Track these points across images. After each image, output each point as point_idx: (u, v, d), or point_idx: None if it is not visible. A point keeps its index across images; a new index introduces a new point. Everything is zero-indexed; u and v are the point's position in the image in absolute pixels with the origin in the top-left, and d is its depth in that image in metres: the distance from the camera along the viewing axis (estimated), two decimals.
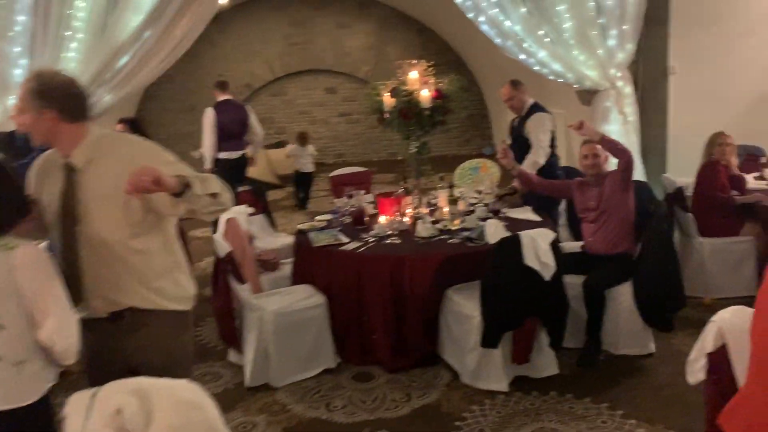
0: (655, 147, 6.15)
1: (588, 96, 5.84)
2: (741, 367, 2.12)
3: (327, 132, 12.21)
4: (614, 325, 3.80)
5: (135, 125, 4.89)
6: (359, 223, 4.36)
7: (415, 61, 4.47)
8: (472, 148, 12.13)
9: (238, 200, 5.00)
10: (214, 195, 2.17)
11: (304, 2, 11.69)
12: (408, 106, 4.18)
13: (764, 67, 6.20)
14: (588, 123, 3.95)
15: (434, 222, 4.21)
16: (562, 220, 4.81)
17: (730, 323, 2.21)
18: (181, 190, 2.03)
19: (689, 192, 4.74)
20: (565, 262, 3.99)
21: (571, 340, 3.81)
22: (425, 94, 4.19)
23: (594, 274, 3.81)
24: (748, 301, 1.92)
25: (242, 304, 3.86)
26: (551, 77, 5.75)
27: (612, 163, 4.05)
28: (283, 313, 3.72)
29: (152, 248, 2.24)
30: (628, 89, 5.66)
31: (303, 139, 8.93)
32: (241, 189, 5.36)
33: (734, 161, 4.69)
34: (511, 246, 3.40)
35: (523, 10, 5.43)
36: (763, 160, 5.44)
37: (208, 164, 6.12)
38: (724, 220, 4.50)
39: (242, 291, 3.84)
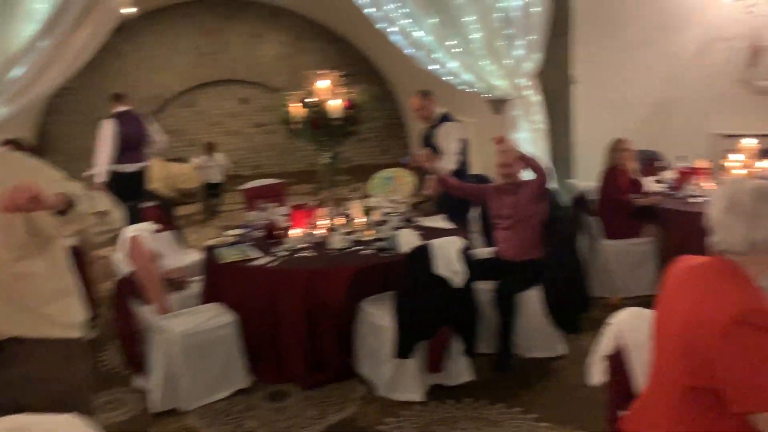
0: (562, 153, 6.36)
1: (498, 105, 5.97)
2: (639, 368, 2.19)
3: (242, 143, 11.95)
4: (525, 328, 3.87)
5: (20, 146, 4.62)
6: (271, 236, 4.25)
7: (325, 71, 4.43)
8: (391, 157, 12.19)
9: (144, 216, 4.78)
10: (103, 213, 2.05)
11: (215, 11, 11.43)
12: (317, 117, 4.13)
13: (661, 75, 6.53)
14: (508, 139, 4.04)
15: (348, 233, 4.17)
16: (476, 227, 4.87)
17: (626, 325, 2.27)
18: (65, 208, 1.90)
19: (594, 196, 4.92)
20: (477, 268, 4.04)
21: (485, 345, 3.84)
22: (335, 104, 4.15)
23: (505, 280, 3.87)
24: (651, 299, 1.97)
25: (147, 326, 3.67)
26: (462, 87, 5.84)
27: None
28: (190, 333, 3.57)
29: (38, 272, 2.08)
30: (537, 98, 5.82)
31: (210, 148, 8.94)
32: (147, 204, 5.14)
33: (633, 166, 4.90)
34: (421, 255, 3.40)
35: (433, 20, 5.49)
36: (660, 163, 5.72)
37: (102, 178, 5.85)
38: (625, 222, 4.69)
39: (146, 312, 3.66)
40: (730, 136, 5.87)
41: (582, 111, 6.45)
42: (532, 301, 3.88)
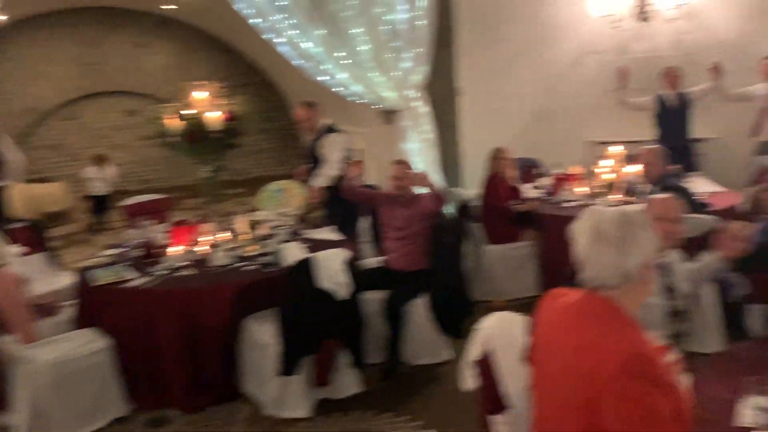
0: (450, 162, 6.53)
1: (388, 115, 6.04)
2: (506, 372, 2.26)
3: (129, 157, 11.38)
4: (412, 336, 3.91)
5: None
6: (149, 255, 4.07)
7: (203, 82, 4.31)
8: (288, 169, 12.03)
9: (13, 238, 4.44)
10: None
11: (96, 20, 10.85)
12: (195, 129, 4.00)
13: (539, 86, 6.87)
14: (418, 172, 4.10)
15: (231, 249, 4.06)
16: (367, 236, 4.89)
17: (494, 330, 2.33)
18: None
19: (477, 203, 5.07)
20: (366, 278, 4.06)
21: (373, 355, 3.86)
22: (214, 116, 4.04)
23: (394, 290, 3.90)
24: (531, 300, 2.00)
25: (9, 357, 3.40)
26: (352, 98, 5.87)
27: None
28: (60, 362, 3.33)
29: None
30: (425, 109, 5.94)
31: (100, 160, 8.61)
32: (16, 225, 4.78)
33: (513, 173, 5.10)
34: (303, 269, 3.36)
35: (321, 32, 5.48)
36: (539, 170, 5.98)
37: None
38: (506, 227, 4.86)
39: (8, 343, 3.39)
40: (602, 143, 6.25)
41: (468, 121, 6.64)
42: (419, 309, 3.93)
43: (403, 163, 4.17)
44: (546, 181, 5.33)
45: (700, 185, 4.96)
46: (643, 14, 6.35)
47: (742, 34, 6.18)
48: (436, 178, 5.57)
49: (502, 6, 6.69)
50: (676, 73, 5.84)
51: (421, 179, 4.08)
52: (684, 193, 4.22)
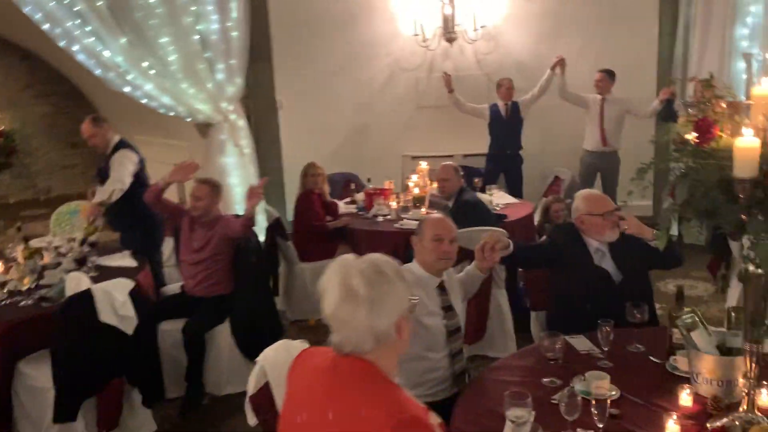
0: (272, 177, 6.40)
1: (204, 129, 5.80)
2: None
3: None
4: (216, 365, 3.73)
5: None
6: None
7: None
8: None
9: None
10: None
11: None
12: None
13: (356, 102, 6.99)
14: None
15: (2, 283, 3.60)
16: (170, 261, 4.60)
17: (270, 361, 2.25)
18: None
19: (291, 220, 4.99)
20: (165, 306, 3.82)
21: (173, 389, 3.61)
22: None
23: (193, 318, 3.68)
24: None
25: None
26: (162, 110, 5.54)
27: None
28: None
29: None
30: (242, 122, 5.77)
31: None
32: None
33: (327, 189, 5.08)
34: (81, 303, 3.05)
35: (123, 40, 5.11)
36: (354, 185, 6.05)
37: None
38: (320, 244, 4.82)
39: None
40: (416, 157, 6.48)
41: (289, 135, 6.59)
42: (221, 336, 3.75)
43: (206, 183, 3.94)
44: (361, 197, 5.39)
45: (498, 197, 5.29)
46: (448, 35, 6.68)
47: (536, 55, 6.72)
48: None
49: (317, 22, 6.72)
50: (509, 85, 6.17)
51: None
52: (479, 207, 4.47)
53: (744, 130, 1.78)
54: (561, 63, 5.99)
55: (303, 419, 1.55)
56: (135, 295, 3.25)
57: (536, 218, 4.88)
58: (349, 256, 1.59)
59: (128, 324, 3.16)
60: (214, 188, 3.95)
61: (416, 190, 4.99)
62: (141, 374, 3.28)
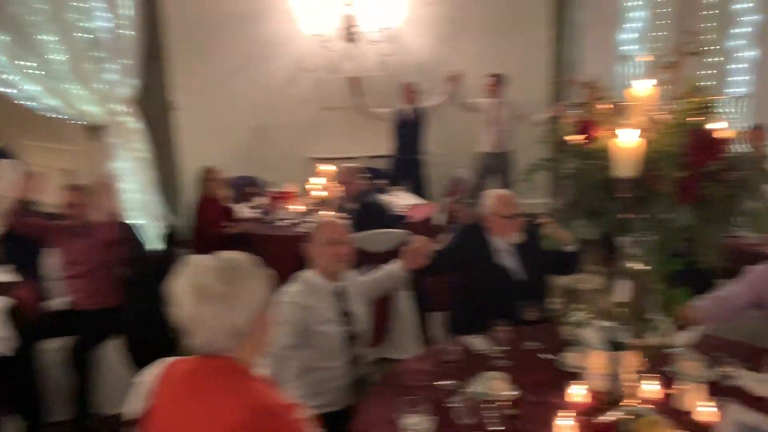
0: (169, 182, 6.14)
1: (94, 132, 5.48)
2: None
3: None
4: (106, 384, 3.50)
5: None
6: None
7: None
8: None
9: None
10: None
11: None
12: None
13: (256, 102, 6.82)
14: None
15: None
16: (55, 274, 4.27)
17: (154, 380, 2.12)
18: None
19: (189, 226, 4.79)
20: (48, 324, 3.56)
21: (58, 412, 3.36)
22: None
23: (79, 335, 3.44)
24: None
25: None
26: (48, 113, 5.20)
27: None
28: None
29: None
30: (137, 125, 5.49)
31: None
32: None
33: (224, 193, 4.91)
34: None
35: (3, 37, 4.75)
36: (255, 189, 5.89)
37: None
38: (218, 251, 4.65)
39: None
40: (321, 159, 6.40)
41: (187, 138, 6.34)
42: (111, 352, 3.53)
43: (79, 189, 3.69)
44: (263, 200, 5.25)
45: (401, 199, 5.31)
46: (350, 35, 6.64)
47: (436, 56, 6.81)
48: (153, 200, 5.19)
49: (215, 20, 6.52)
50: (413, 89, 6.20)
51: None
52: (380, 208, 4.46)
53: (618, 131, 1.82)
54: (455, 78, 6.12)
55: (170, 423, 1.52)
56: (12, 313, 2.98)
57: (436, 219, 4.94)
58: (199, 256, 1.55)
59: (5, 345, 2.90)
60: (88, 192, 3.73)
61: (321, 193, 4.91)
62: (19, 399, 3.02)
